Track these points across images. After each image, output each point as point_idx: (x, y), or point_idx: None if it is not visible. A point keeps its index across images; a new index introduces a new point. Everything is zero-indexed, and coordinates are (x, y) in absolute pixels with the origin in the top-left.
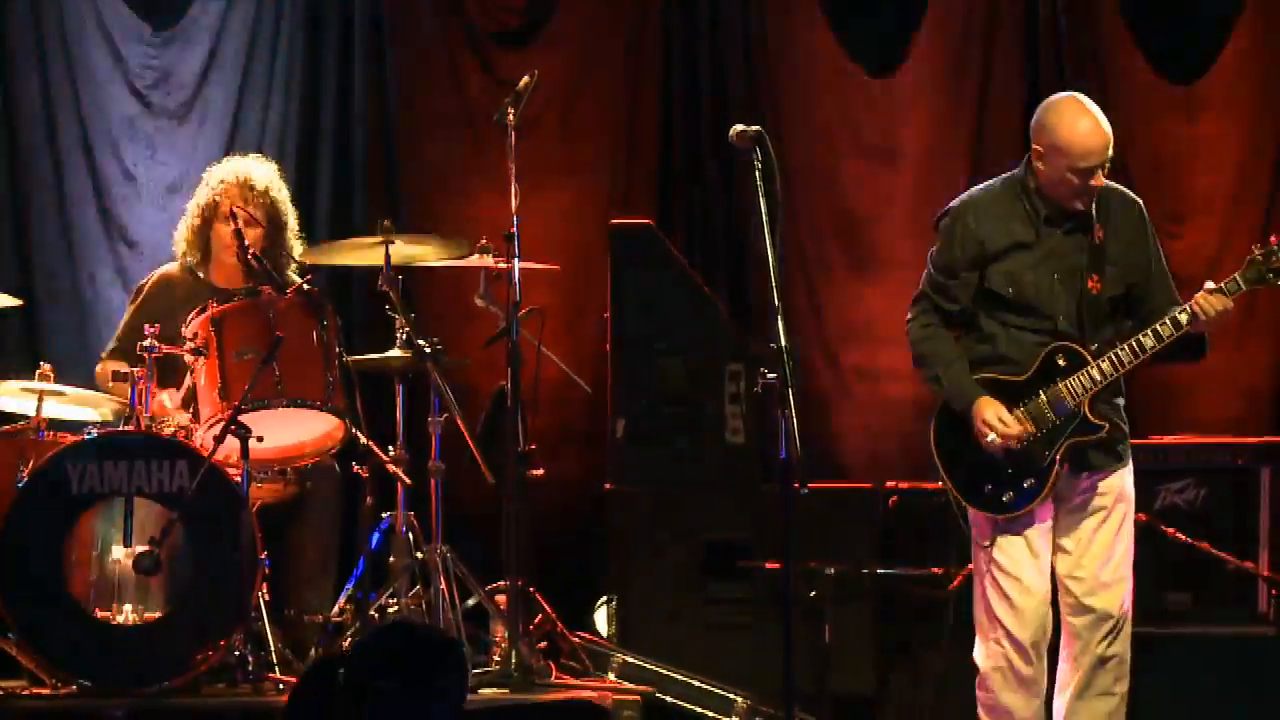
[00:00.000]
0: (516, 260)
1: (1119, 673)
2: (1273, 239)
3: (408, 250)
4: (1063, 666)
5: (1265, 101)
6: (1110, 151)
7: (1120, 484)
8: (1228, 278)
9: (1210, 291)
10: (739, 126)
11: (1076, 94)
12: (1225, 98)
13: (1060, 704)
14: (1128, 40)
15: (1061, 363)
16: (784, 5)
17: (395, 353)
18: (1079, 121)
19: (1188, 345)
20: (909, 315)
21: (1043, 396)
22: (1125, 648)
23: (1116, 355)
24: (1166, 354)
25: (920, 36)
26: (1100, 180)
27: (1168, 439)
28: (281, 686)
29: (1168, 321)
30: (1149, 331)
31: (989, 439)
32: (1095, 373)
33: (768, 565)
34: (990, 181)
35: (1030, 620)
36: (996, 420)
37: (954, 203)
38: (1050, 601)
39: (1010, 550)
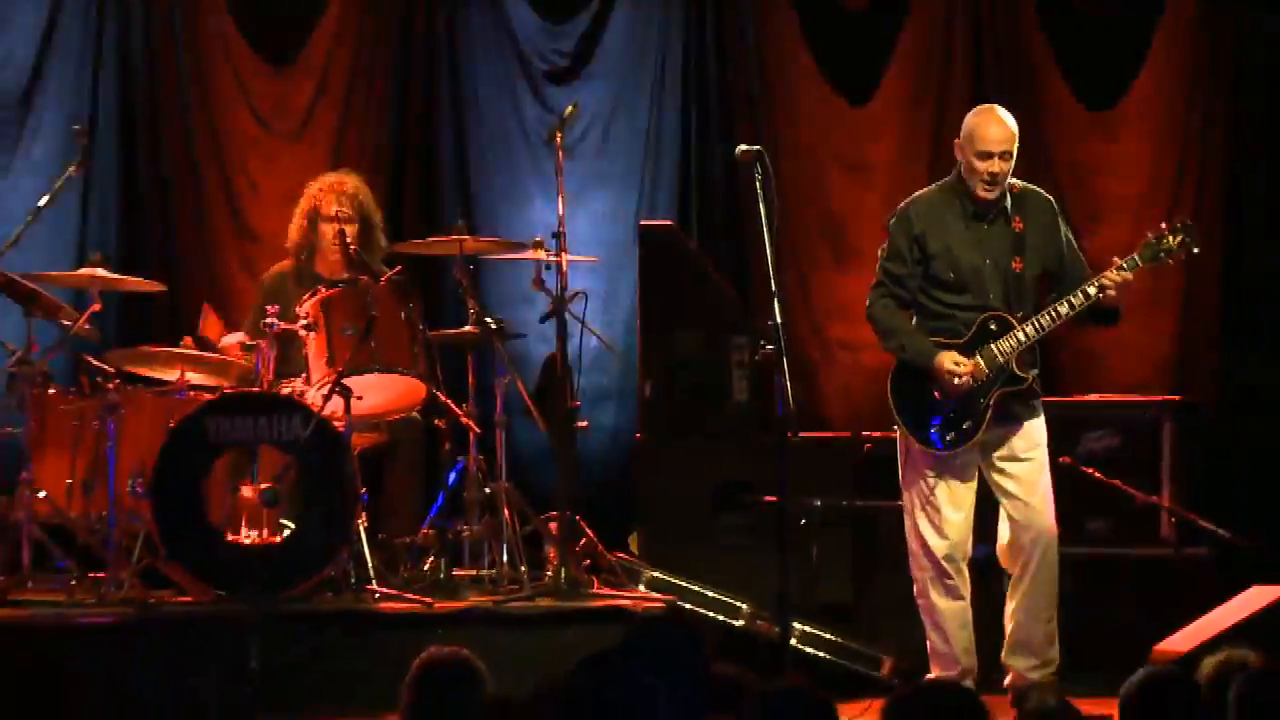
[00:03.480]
0: (564, 254)
1: (1053, 573)
2: (1163, 225)
3: (478, 245)
4: (1012, 575)
5: (1168, 124)
6: (1009, 146)
7: (1039, 433)
8: (1128, 256)
9: (1115, 268)
10: (743, 146)
11: (994, 104)
12: (1136, 121)
13: (1011, 603)
14: (1055, 74)
15: (993, 327)
16: (779, 47)
17: (467, 328)
18: (983, 115)
19: (1102, 313)
20: (869, 300)
21: (978, 356)
22: (1056, 555)
23: (1038, 320)
24: (1086, 319)
25: (889, 73)
26: (999, 168)
27: (1088, 397)
28: (378, 595)
29: (1079, 293)
30: (1064, 300)
31: (957, 380)
32: (1021, 335)
33: (766, 499)
34: (930, 187)
35: (950, 539)
36: (953, 365)
37: (900, 206)
38: (970, 527)
39: (938, 485)
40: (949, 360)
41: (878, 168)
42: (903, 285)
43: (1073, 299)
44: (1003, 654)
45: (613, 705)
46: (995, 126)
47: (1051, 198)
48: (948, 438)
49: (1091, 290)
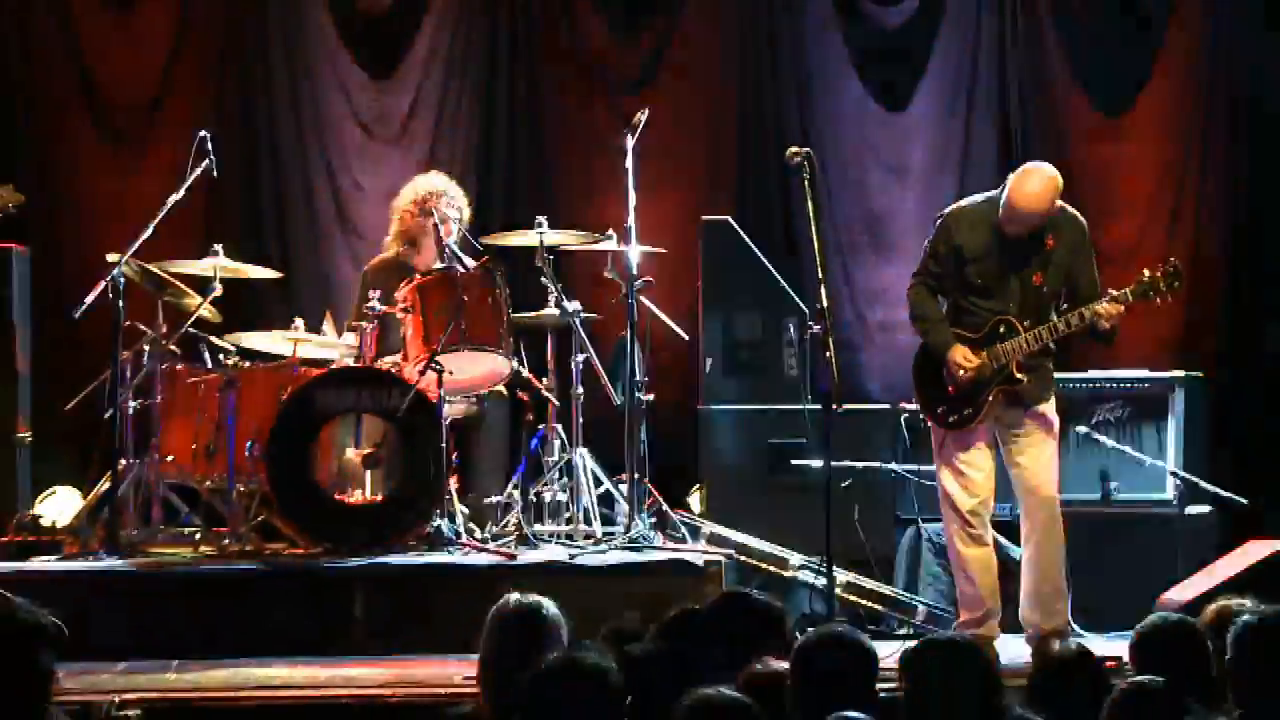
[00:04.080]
0: (633, 245)
1: (1058, 537)
2: (1158, 266)
3: (556, 238)
4: (1024, 538)
5: (1171, 130)
6: (1034, 220)
7: (1048, 414)
8: (1121, 290)
9: (1109, 300)
10: (793, 149)
11: (1045, 169)
12: (1143, 127)
13: (1025, 560)
14: (1073, 84)
15: (1002, 330)
16: (824, 62)
17: (548, 312)
18: (1021, 191)
19: (1100, 335)
20: (910, 284)
21: (985, 353)
22: (1059, 520)
23: (1038, 332)
24: (1083, 336)
25: (923, 84)
26: (1022, 230)
27: (1103, 372)
28: (466, 550)
29: (1078, 314)
30: (1064, 319)
31: (960, 372)
32: (1022, 342)
33: (814, 463)
34: (979, 196)
35: (973, 495)
36: (963, 359)
37: (950, 207)
38: (991, 486)
39: (960, 451)
40: (960, 354)
41: (913, 169)
42: (938, 280)
43: (1071, 318)
44: (1020, 610)
45: (689, 664)
46: (1025, 201)
47: (1085, 221)
48: (950, 419)
49: (1087, 314)
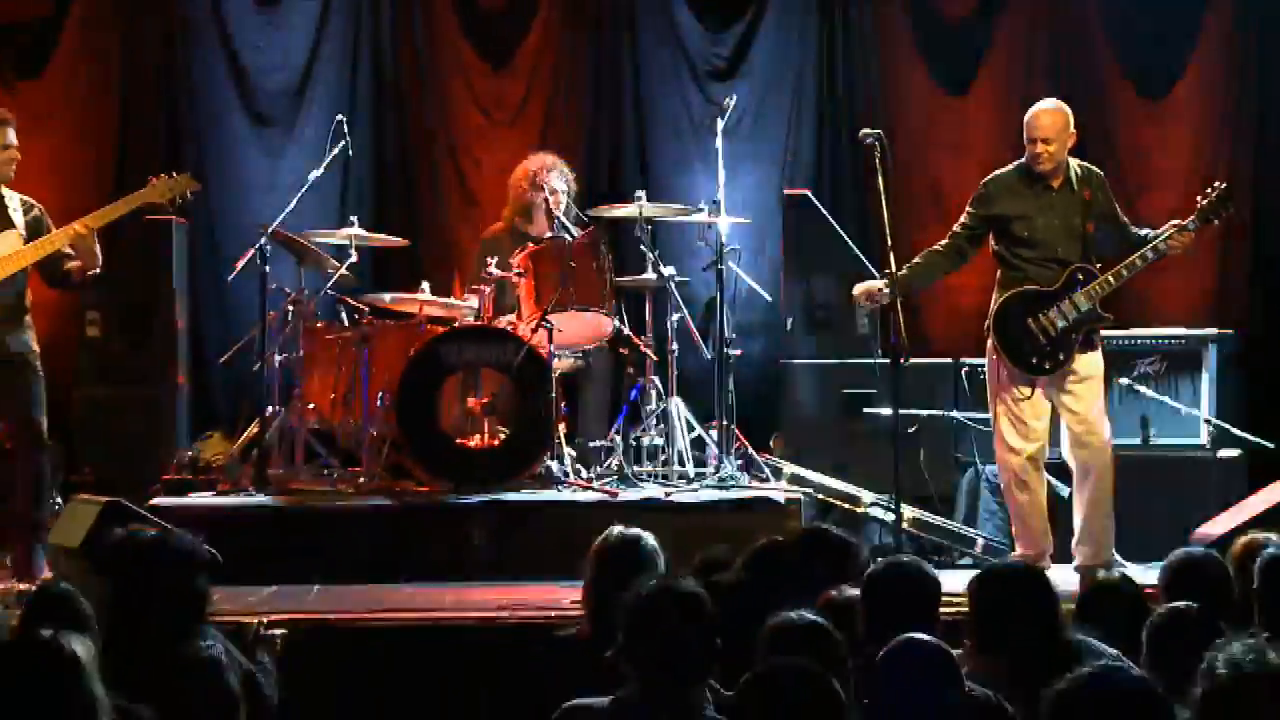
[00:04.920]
0: (722, 216)
1: (1109, 478)
2: (1210, 192)
3: (654, 210)
4: (1077, 480)
5: (1209, 112)
6: (1047, 134)
7: (1098, 361)
8: (1189, 219)
9: (1179, 230)
10: (865, 130)
11: (1055, 99)
12: (1182, 109)
13: (1078, 500)
14: (1116, 72)
15: (1081, 277)
16: (894, 49)
17: (646, 276)
18: (1033, 109)
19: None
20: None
21: (1068, 300)
22: (1110, 462)
23: (1120, 271)
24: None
25: (983, 71)
26: (1041, 149)
27: (1143, 330)
28: (574, 486)
29: (1148, 253)
30: (1139, 256)
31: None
32: (1107, 282)
33: (883, 411)
34: (1008, 166)
35: (1031, 442)
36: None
37: (989, 176)
38: (1047, 433)
39: (1023, 399)
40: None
41: (974, 148)
42: (955, 235)
43: (1146, 254)
44: (1073, 542)
45: (772, 591)
46: (1035, 118)
47: (1100, 172)
48: (1045, 366)
49: (1162, 247)
